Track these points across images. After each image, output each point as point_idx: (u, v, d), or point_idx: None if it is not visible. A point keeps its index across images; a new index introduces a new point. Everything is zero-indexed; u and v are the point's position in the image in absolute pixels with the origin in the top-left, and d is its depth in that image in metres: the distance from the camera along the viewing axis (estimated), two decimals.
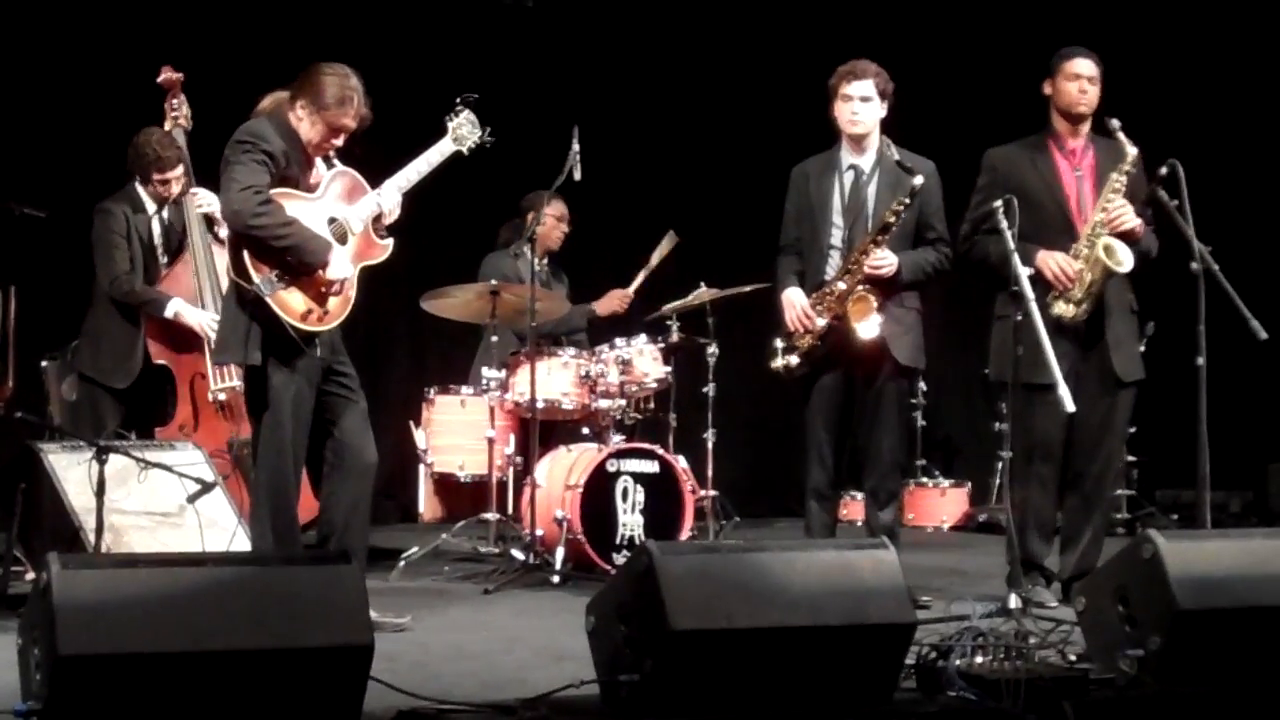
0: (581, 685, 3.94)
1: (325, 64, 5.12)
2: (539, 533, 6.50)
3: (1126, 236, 5.67)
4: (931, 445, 9.47)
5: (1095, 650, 4.24)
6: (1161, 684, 4.03)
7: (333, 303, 5.11)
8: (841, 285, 5.76)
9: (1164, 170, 5.58)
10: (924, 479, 9.29)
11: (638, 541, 6.36)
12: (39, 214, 6.50)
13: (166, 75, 6.60)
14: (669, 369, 7.04)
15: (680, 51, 9.24)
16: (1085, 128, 5.85)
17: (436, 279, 7.18)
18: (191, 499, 5.67)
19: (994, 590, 5.52)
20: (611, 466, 6.55)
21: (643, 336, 7.01)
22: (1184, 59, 9.27)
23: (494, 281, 6.99)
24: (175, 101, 6.60)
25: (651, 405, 7.20)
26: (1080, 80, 5.76)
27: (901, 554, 4.12)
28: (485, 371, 7.10)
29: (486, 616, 5.57)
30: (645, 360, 6.93)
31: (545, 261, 7.41)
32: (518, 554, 6.51)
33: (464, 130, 5.44)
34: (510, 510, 7.04)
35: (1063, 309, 5.67)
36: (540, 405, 6.69)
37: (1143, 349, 6.39)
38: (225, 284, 5.50)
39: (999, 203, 5.34)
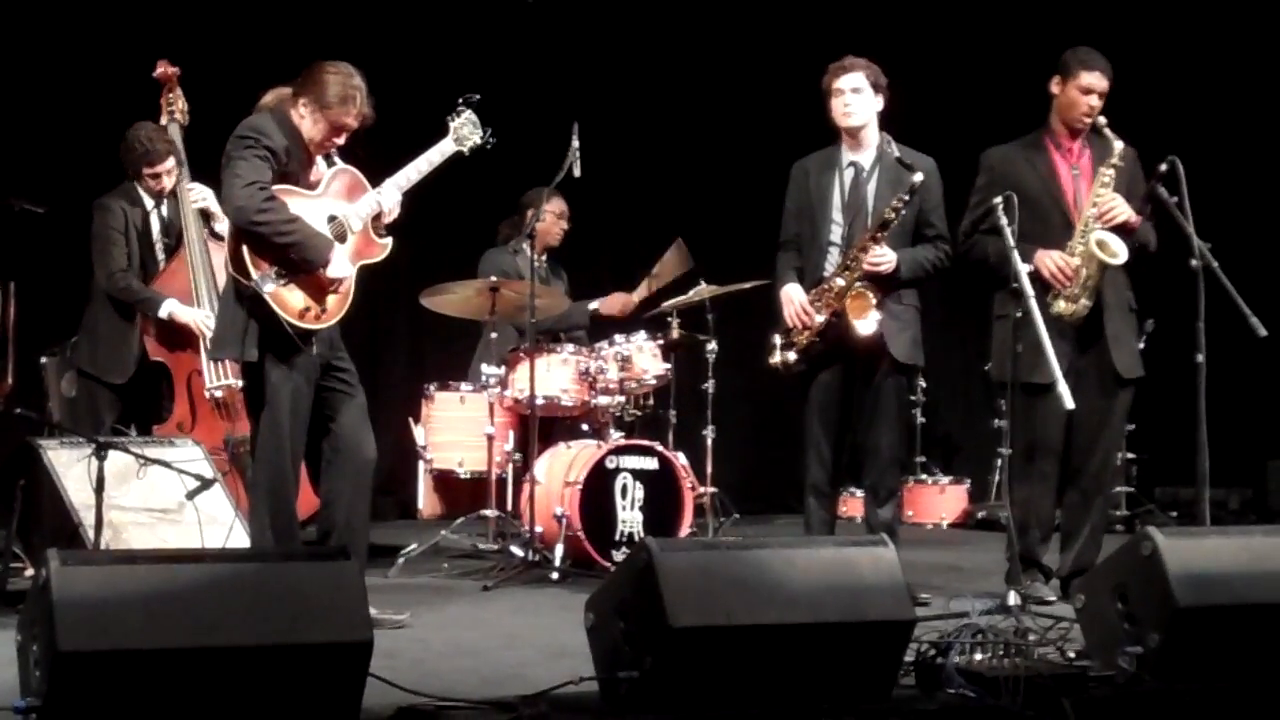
0: (581, 682, 3.93)
1: (329, 62, 5.11)
2: (538, 529, 6.50)
3: (1121, 229, 5.67)
4: (931, 442, 9.48)
5: (1094, 647, 4.24)
6: (1160, 681, 4.03)
7: (331, 301, 5.11)
8: (840, 281, 5.76)
9: (1164, 167, 5.58)
10: (923, 476, 9.30)
11: (637, 538, 6.37)
12: (38, 209, 6.50)
13: (162, 69, 6.60)
14: (668, 366, 7.04)
15: (680, 49, 9.25)
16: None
17: (436, 275, 7.17)
18: (190, 495, 5.67)
19: (993, 587, 5.52)
20: (611, 463, 6.55)
21: (642, 333, 7.02)
22: (1184, 56, 9.27)
23: (494, 278, 6.99)
24: (171, 96, 6.59)
25: (651, 402, 7.20)
26: (1093, 94, 5.73)
27: (901, 551, 4.13)
28: (484, 368, 7.10)
29: (486, 613, 5.57)
30: (645, 357, 6.93)
31: (544, 258, 7.41)
32: (517, 551, 6.51)
33: (465, 131, 5.44)
34: (509, 507, 7.04)
35: (1062, 307, 5.67)
36: (540, 402, 6.68)
37: (1142, 346, 6.39)
38: (221, 280, 5.50)
39: (999, 200, 5.34)
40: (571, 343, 7.18)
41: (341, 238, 5.15)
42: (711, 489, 7.37)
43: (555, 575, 6.29)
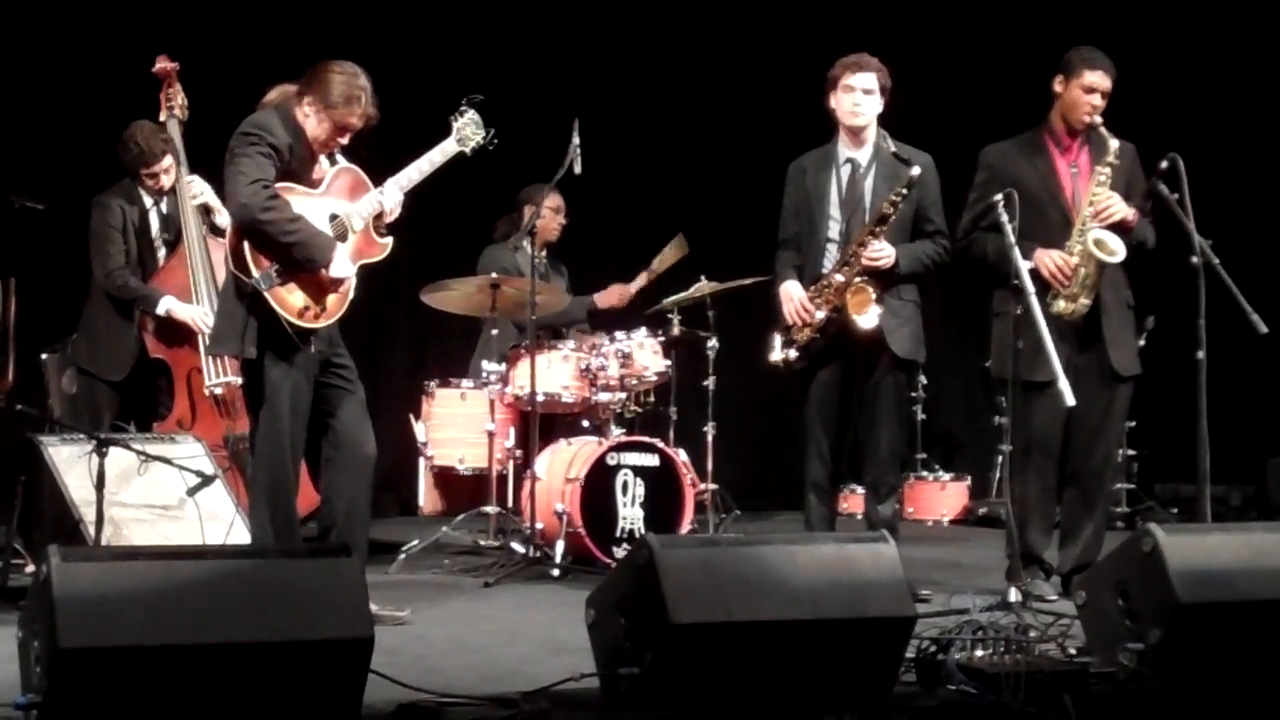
0: (582, 678, 3.93)
1: (335, 61, 5.10)
2: (539, 526, 6.50)
3: (1119, 227, 5.67)
4: (932, 439, 9.48)
5: (1095, 644, 4.25)
6: (1161, 677, 4.03)
7: (330, 300, 5.10)
8: (839, 277, 5.76)
9: (1164, 164, 5.57)
10: (924, 473, 9.30)
11: (638, 535, 6.38)
12: (38, 206, 6.50)
13: (161, 65, 6.59)
14: (669, 362, 7.05)
15: (681, 45, 9.24)
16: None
17: (436, 272, 7.17)
18: (191, 492, 5.67)
19: (994, 584, 5.52)
20: (612, 460, 6.55)
21: (643, 330, 7.02)
22: (1184, 52, 9.26)
23: (494, 275, 6.99)
24: (171, 91, 6.58)
25: (652, 399, 7.21)
26: (1096, 94, 5.72)
27: (901, 548, 4.13)
28: (485, 365, 7.11)
29: (486, 610, 5.57)
30: (645, 354, 6.94)
31: (543, 254, 7.41)
32: (518, 547, 6.52)
33: (468, 131, 5.43)
34: (510, 503, 7.04)
35: (1062, 306, 5.66)
36: (540, 398, 6.68)
37: (1142, 343, 6.40)
38: (221, 276, 5.50)
39: (999, 197, 5.34)
40: (572, 339, 7.18)
41: (343, 237, 5.14)
42: (712, 485, 7.38)
43: (556, 572, 6.29)
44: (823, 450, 5.87)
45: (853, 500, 8.58)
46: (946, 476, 9.29)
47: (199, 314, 6.32)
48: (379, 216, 5.25)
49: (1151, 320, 7.80)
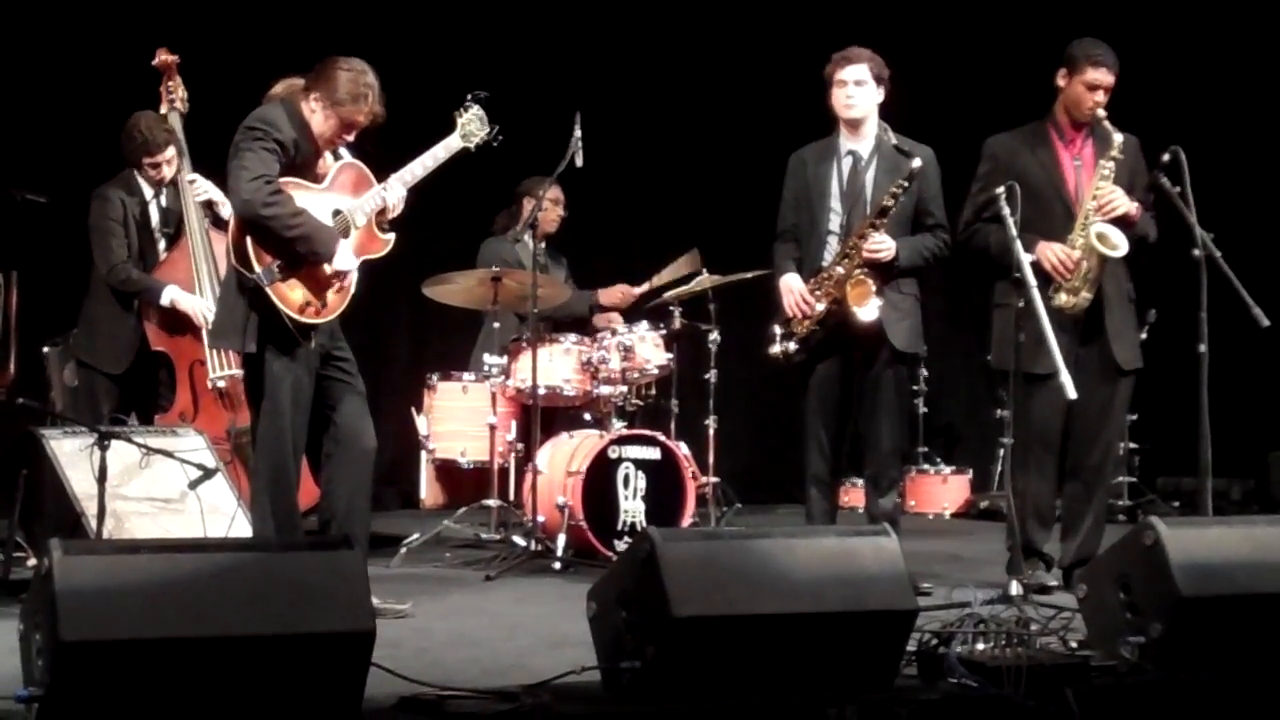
0: (583, 671, 3.93)
1: (343, 58, 5.09)
2: (540, 519, 6.51)
3: (1121, 221, 5.67)
4: (933, 432, 9.48)
5: (1096, 637, 4.25)
6: (1162, 671, 4.04)
7: (331, 296, 5.10)
8: (839, 269, 5.76)
9: (1166, 157, 5.58)
10: (925, 466, 9.30)
11: (639, 528, 6.37)
12: (40, 199, 6.49)
13: (162, 58, 6.58)
14: (671, 355, 7.04)
15: (682, 38, 9.24)
16: None
17: (437, 265, 7.17)
18: (193, 485, 5.67)
19: (995, 577, 5.53)
20: (613, 453, 6.55)
21: (644, 323, 7.01)
22: (1187, 44, 9.26)
23: (495, 268, 6.98)
24: (171, 84, 6.58)
25: (653, 392, 7.20)
26: (1098, 90, 5.71)
27: (902, 541, 4.12)
28: (487, 358, 7.10)
29: (488, 603, 5.57)
30: (647, 346, 6.93)
31: (543, 246, 7.41)
32: (519, 540, 6.52)
33: (473, 127, 5.42)
34: (512, 497, 7.04)
35: (1064, 300, 5.66)
36: (542, 391, 6.68)
37: (1144, 336, 6.39)
38: (224, 269, 5.49)
39: (1001, 189, 5.33)
40: (573, 333, 7.18)
41: (345, 232, 5.14)
42: (714, 479, 7.37)
43: (557, 565, 6.29)
44: (823, 444, 5.87)
45: (853, 494, 8.57)
46: (947, 470, 9.29)
47: (203, 306, 6.32)
48: (382, 212, 5.24)
49: (1153, 313, 7.80)
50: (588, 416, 7.04)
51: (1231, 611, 4.12)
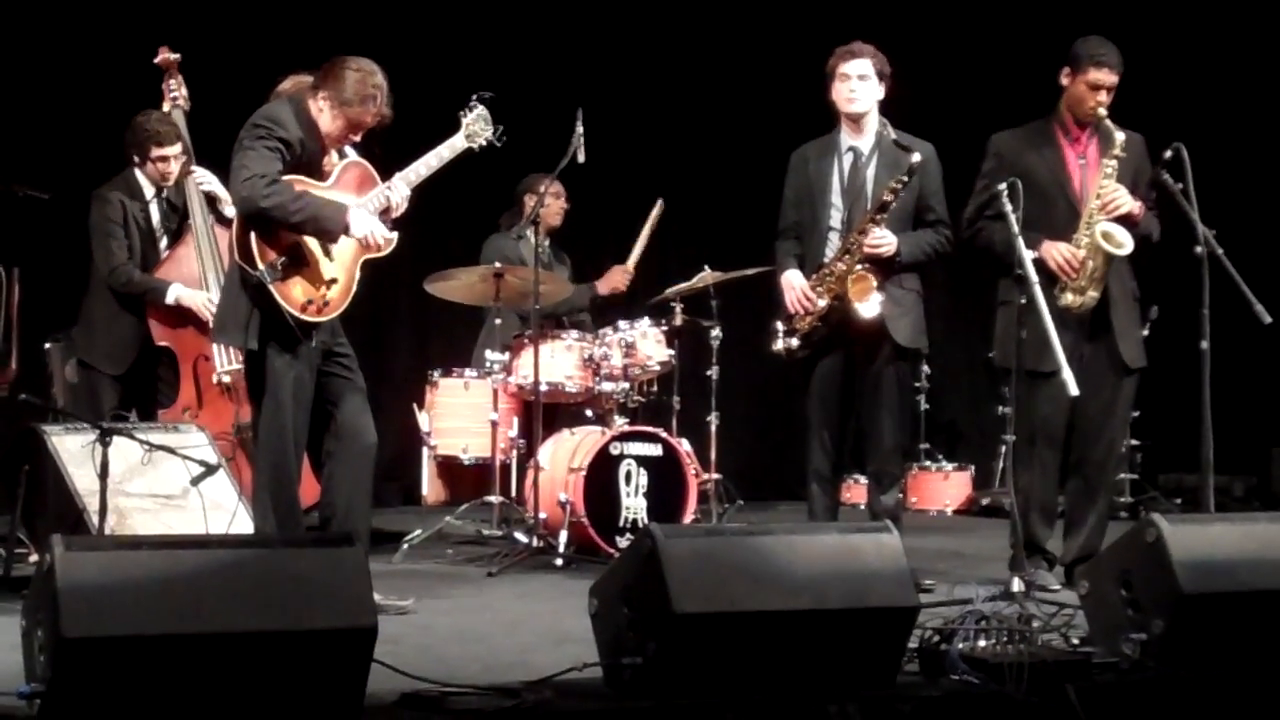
0: (584, 668, 3.94)
1: (351, 58, 5.07)
2: (542, 516, 6.51)
3: (1125, 220, 5.66)
4: (935, 429, 9.48)
5: (1098, 634, 4.25)
6: (1164, 668, 4.03)
7: (333, 294, 5.10)
8: (841, 265, 5.76)
9: (1168, 154, 5.56)
10: (927, 463, 9.30)
11: (641, 524, 6.38)
12: (42, 196, 6.48)
13: (164, 56, 6.57)
14: (672, 352, 7.04)
15: (684, 35, 9.23)
16: None
17: (439, 263, 7.17)
18: (195, 481, 5.67)
19: (997, 574, 5.52)
20: (615, 449, 6.55)
21: (646, 319, 7.02)
22: (1189, 41, 9.25)
23: (498, 264, 6.98)
24: (173, 83, 6.57)
25: (655, 388, 7.20)
26: (1101, 91, 5.69)
27: (904, 537, 4.12)
28: (488, 354, 7.10)
29: (489, 599, 5.58)
30: (649, 343, 6.93)
31: (547, 243, 7.41)
32: (521, 537, 6.52)
33: (477, 127, 5.42)
34: (513, 493, 7.04)
35: (1070, 299, 5.65)
36: (544, 388, 6.69)
37: (1146, 333, 6.38)
38: (228, 264, 5.49)
39: (1004, 185, 5.33)
40: (575, 329, 7.18)
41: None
42: (715, 475, 7.37)
43: (559, 561, 6.29)
44: (825, 440, 5.88)
45: (855, 490, 8.57)
46: (950, 466, 9.29)
47: (206, 301, 6.31)
48: (385, 211, 5.23)
49: (1155, 310, 7.79)
50: (589, 413, 7.04)
51: (1233, 608, 4.12)
